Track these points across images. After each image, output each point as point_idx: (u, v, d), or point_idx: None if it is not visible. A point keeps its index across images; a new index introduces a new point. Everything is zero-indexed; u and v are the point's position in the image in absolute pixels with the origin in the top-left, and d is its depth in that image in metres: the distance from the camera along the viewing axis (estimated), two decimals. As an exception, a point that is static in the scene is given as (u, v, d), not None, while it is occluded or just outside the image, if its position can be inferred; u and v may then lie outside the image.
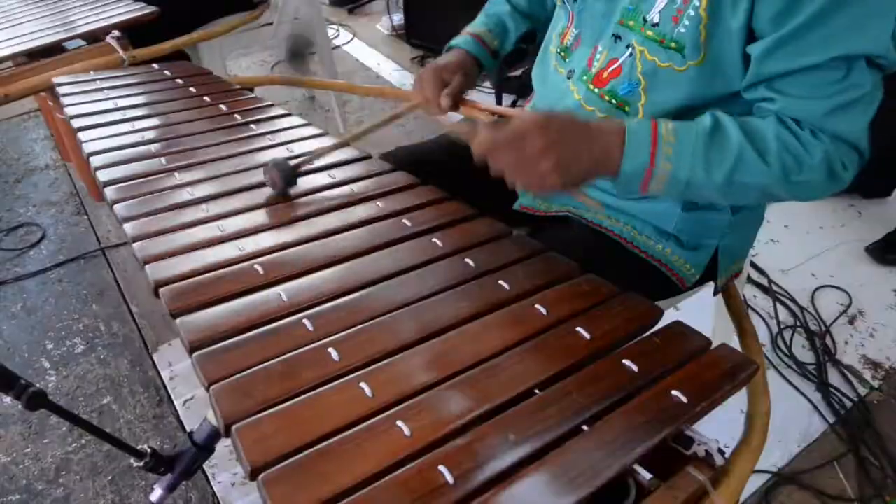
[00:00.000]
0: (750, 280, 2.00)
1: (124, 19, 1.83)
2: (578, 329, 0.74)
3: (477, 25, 1.21)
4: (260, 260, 0.84)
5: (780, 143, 0.80)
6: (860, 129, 0.81)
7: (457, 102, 1.17)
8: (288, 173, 0.98)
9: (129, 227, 0.91)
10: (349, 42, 3.59)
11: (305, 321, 0.74)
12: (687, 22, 0.84)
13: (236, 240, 0.89)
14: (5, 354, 1.91)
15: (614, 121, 0.83)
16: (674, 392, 0.66)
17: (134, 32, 1.80)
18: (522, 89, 2.74)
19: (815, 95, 0.79)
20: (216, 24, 2.10)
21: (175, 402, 1.71)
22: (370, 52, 3.50)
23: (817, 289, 1.99)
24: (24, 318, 2.05)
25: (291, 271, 0.82)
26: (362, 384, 0.65)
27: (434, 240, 0.91)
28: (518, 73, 2.91)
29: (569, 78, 1.02)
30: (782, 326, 1.86)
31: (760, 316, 1.89)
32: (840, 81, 0.78)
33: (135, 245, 0.87)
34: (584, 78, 0.99)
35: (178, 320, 0.73)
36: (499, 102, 2.58)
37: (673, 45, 0.86)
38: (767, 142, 0.80)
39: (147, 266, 0.83)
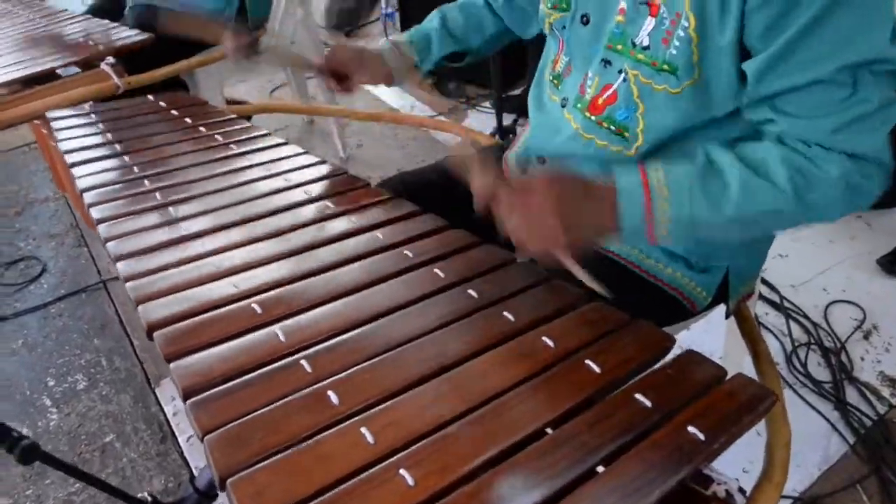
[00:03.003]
0: (761, 296, 1.97)
1: (119, 45, 1.83)
2: (588, 362, 0.72)
3: (401, 35, 1.21)
4: (257, 298, 0.82)
5: (787, 164, 0.77)
6: (876, 144, 0.77)
7: (338, 78, 1.18)
8: None
9: (122, 266, 0.89)
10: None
11: (304, 362, 0.71)
12: (678, 43, 0.82)
13: (232, 276, 0.87)
14: (6, 392, 1.88)
15: (608, 178, 0.80)
16: (690, 428, 0.63)
17: (129, 58, 1.80)
18: (522, 108, 2.73)
19: (820, 114, 0.76)
20: (213, 49, 2.09)
21: (178, 439, 1.68)
22: (369, 75, 3.50)
23: (830, 304, 1.96)
24: (25, 354, 2.03)
25: (289, 309, 0.80)
26: (363, 429, 0.62)
27: (436, 270, 0.88)
28: (517, 91, 2.90)
29: (563, 106, 1.00)
30: (796, 344, 1.82)
31: (773, 333, 1.86)
32: (846, 98, 0.75)
33: (128, 284, 0.85)
34: (579, 106, 0.97)
35: (171, 365, 0.71)
36: (499, 121, 2.57)
37: (666, 67, 0.84)
38: (772, 165, 0.77)
39: (140, 307, 0.80)
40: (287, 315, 0.79)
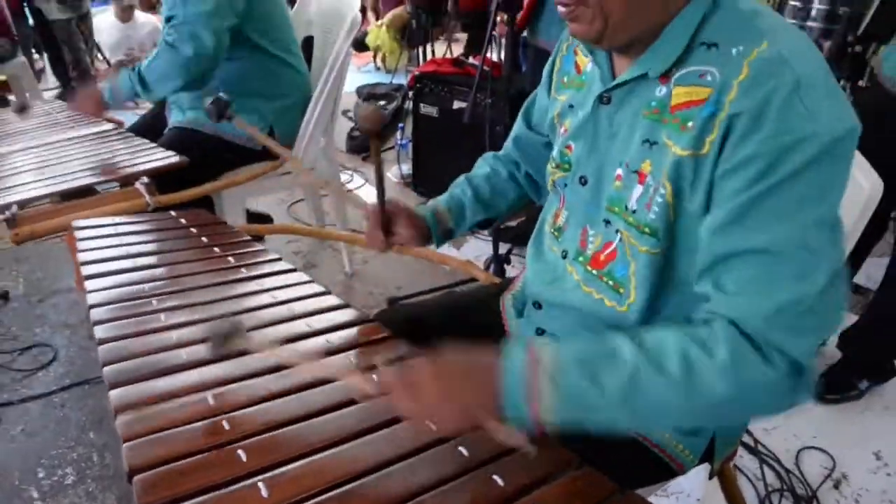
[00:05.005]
0: (735, 438, 1.87)
1: (156, 166, 1.81)
2: (577, 544, 0.63)
3: (440, 202, 1.16)
4: (245, 443, 0.73)
5: (680, 350, 0.69)
6: (807, 342, 0.70)
7: (382, 223, 1.09)
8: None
9: (115, 395, 0.81)
10: (361, 187, 3.62)
11: (283, 526, 0.62)
12: (657, 208, 0.80)
13: (224, 414, 0.78)
14: (-3, 480, 1.74)
15: (495, 357, 0.73)
16: None
17: (161, 176, 1.77)
18: (518, 239, 2.71)
19: (758, 291, 0.70)
20: (239, 171, 2.08)
21: (157, 546, 1.53)
22: (380, 197, 3.52)
23: (801, 449, 1.85)
24: (22, 441, 1.89)
25: (276, 458, 0.71)
26: None
27: (427, 423, 0.80)
28: (514, 223, 2.89)
29: (564, 258, 0.97)
30: (770, 490, 1.71)
31: (747, 477, 1.74)
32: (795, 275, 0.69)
33: (119, 418, 0.77)
34: (581, 259, 0.94)
35: (144, 520, 0.62)
36: (496, 251, 2.54)
37: (647, 230, 0.82)
38: (666, 350, 0.69)
39: (126, 446, 0.72)
40: (273, 465, 0.70)
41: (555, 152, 1.00)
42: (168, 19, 1.93)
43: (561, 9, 0.80)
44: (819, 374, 2.03)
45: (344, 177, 3.55)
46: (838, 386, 2.04)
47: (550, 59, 1.06)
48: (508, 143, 1.21)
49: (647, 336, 0.72)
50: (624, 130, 0.86)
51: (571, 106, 0.97)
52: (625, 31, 0.79)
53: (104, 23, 4.96)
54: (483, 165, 1.21)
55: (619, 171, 0.86)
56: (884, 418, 1.98)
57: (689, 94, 0.77)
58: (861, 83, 2.20)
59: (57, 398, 2.06)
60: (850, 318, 2.13)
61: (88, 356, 2.25)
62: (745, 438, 1.86)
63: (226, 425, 0.76)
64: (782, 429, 1.93)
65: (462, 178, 1.19)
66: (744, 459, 1.81)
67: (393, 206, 1.10)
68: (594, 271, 0.91)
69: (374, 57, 5.87)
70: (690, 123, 0.76)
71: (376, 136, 1.08)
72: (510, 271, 2.56)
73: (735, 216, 0.72)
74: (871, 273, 2.27)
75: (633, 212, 0.84)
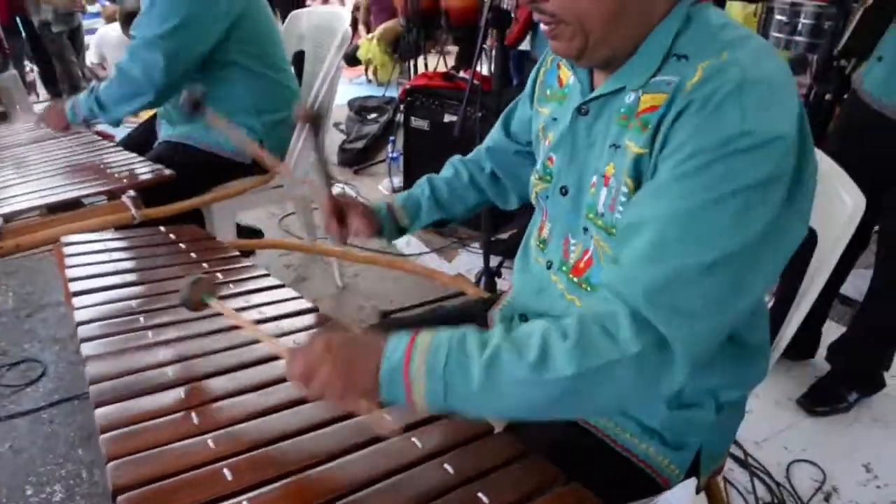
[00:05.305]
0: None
1: (142, 180, 1.81)
2: (562, 562, 0.63)
3: (398, 199, 1.20)
4: (230, 461, 0.73)
5: (542, 335, 0.71)
6: (686, 324, 0.70)
7: (335, 214, 1.14)
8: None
9: (100, 414, 0.81)
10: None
11: (267, 545, 0.62)
12: (621, 208, 0.82)
13: (210, 433, 0.78)
14: (-17, 499, 1.73)
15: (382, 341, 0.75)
16: None
17: (150, 189, 1.77)
18: (508, 251, 2.71)
19: (642, 262, 0.72)
20: (229, 185, 2.09)
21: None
22: (371, 210, 3.52)
23: (791, 462, 1.86)
24: (9, 458, 1.88)
25: (261, 477, 0.71)
26: None
27: (413, 439, 0.80)
28: (505, 235, 2.90)
29: (548, 268, 0.99)
30: (761, 503, 1.71)
31: (738, 491, 1.74)
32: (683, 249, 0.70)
33: (102, 437, 0.77)
34: (564, 269, 0.95)
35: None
36: (486, 264, 2.54)
37: (613, 231, 0.83)
38: (531, 336, 0.71)
39: (110, 465, 0.72)
40: (258, 483, 0.71)
41: (538, 164, 1.01)
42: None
43: (543, 27, 0.82)
44: (809, 386, 2.06)
45: (335, 190, 3.55)
46: (827, 398, 2.05)
47: (534, 70, 1.08)
48: (481, 150, 1.24)
49: (520, 326, 0.74)
50: (600, 140, 0.88)
51: (555, 119, 0.99)
52: (604, 48, 0.81)
53: (112, 35, 4.98)
54: (448, 168, 1.24)
55: (595, 179, 0.88)
56: (873, 430, 1.99)
57: (653, 100, 0.79)
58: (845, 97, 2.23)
59: (45, 414, 2.05)
60: (839, 330, 2.15)
61: (77, 372, 2.24)
62: (736, 452, 1.87)
63: (211, 444, 0.76)
64: (772, 442, 1.93)
65: (424, 178, 1.22)
66: (734, 473, 1.81)
67: (347, 199, 1.16)
68: (575, 279, 0.93)
69: (366, 70, 5.89)
70: (650, 125, 0.78)
71: (313, 122, 1.15)
72: (501, 284, 2.56)
73: (648, 191, 0.75)
74: (858, 285, 2.29)
75: (601, 215, 0.86)
